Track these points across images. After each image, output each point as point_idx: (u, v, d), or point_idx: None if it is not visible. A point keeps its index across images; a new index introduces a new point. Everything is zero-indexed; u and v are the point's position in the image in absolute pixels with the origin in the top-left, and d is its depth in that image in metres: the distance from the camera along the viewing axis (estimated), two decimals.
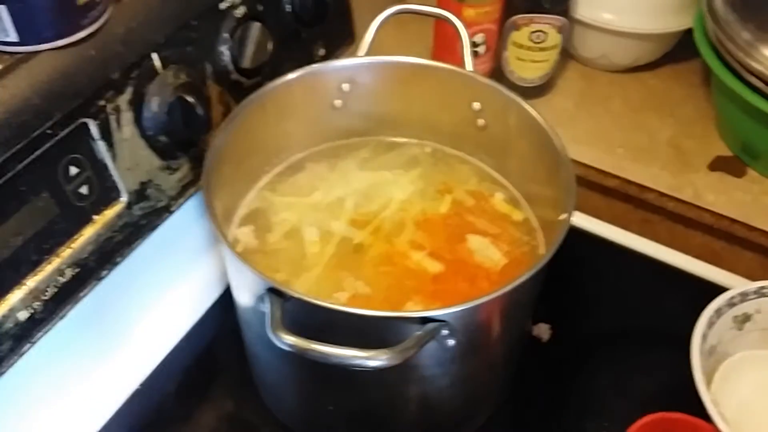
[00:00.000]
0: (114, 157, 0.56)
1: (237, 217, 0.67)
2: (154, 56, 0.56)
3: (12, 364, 0.53)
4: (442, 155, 0.73)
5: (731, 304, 0.65)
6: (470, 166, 0.72)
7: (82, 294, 0.57)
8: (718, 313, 0.64)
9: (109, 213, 0.57)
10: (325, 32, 0.75)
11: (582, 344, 0.73)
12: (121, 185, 0.57)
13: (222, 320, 0.74)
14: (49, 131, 0.49)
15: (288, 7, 0.69)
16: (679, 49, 0.94)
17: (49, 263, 0.53)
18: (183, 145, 0.62)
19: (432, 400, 0.60)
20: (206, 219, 0.55)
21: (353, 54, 0.69)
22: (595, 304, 0.76)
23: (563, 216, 0.56)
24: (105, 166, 0.55)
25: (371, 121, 0.72)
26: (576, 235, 0.73)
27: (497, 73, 0.92)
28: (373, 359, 0.47)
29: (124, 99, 0.55)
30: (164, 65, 0.57)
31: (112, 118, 0.54)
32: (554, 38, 0.87)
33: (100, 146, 0.54)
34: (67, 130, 0.51)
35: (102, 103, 0.53)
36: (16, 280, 0.51)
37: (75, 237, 0.55)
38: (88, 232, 0.55)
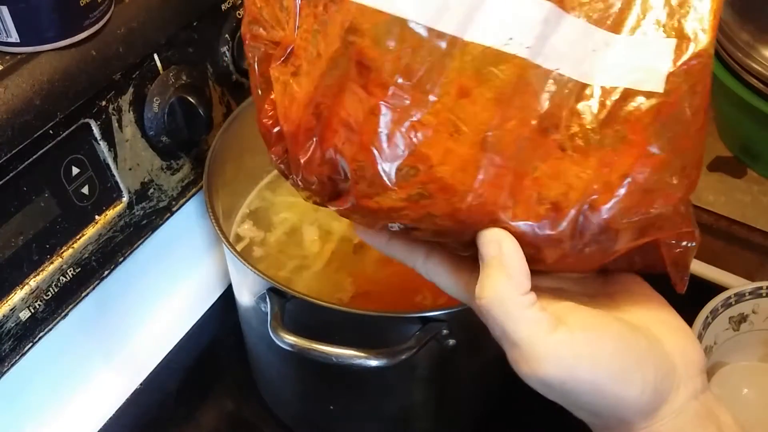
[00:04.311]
0: (115, 157, 0.56)
1: (238, 216, 0.67)
2: (156, 57, 0.56)
3: (14, 364, 0.53)
4: None
5: (727, 304, 0.65)
6: None
7: (83, 294, 0.57)
8: (714, 313, 0.64)
9: (111, 213, 0.57)
10: None
11: None
12: (122, 185, 0.57)
13: (223, 320, 0.74)
14: (50, 131, 0.49)
15: None
16: None
17: (51, 263, 0.53)
18: (184, 146, 0.62)
19: (432, 399, 0.60)
20: (207, 219, 0.55)
21: None
22: None
23: None
24: (106, 167, 0.55)
25: None
26: None
27: None
28: (373, 359, 0.48)
29: (125, 99, 0.55)
30: (165, 66, 0.57)
31: (114, 119, 0.55)
32: None
33: (102, 146, 0.54)
34: (68, 131, 0.51)
35: (103, 103, 0.53)
36: (17, 280, 0.51)
37: (76, 237, 0.55)
38: (90, 232, 0.55)
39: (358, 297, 0.60)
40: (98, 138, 0.54)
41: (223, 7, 0.61)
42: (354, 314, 0.50)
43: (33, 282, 0.52)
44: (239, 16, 0.63)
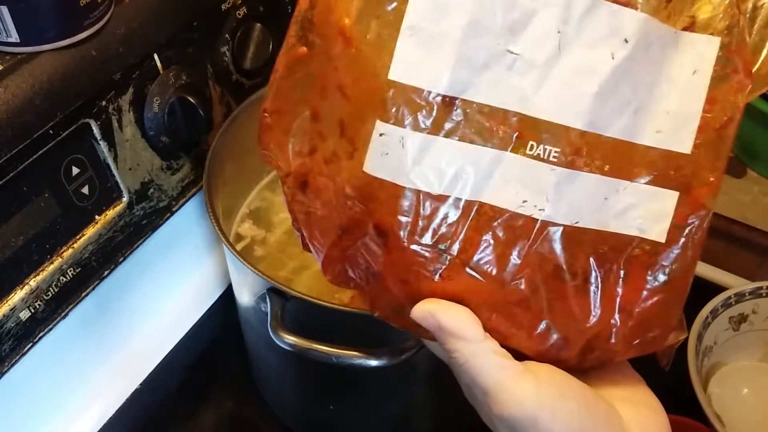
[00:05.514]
0: (115, 157, 0.56)
1: (238, 216, 0.67)
2: (156, 57, 0.56)
3: (14, 364, 0.53)
4: None
5: (727, 304, 0.65)
6: None
7: (83, 294, 0.57)
8: (714, 313, 0.64)
9: (111, 213, 0.57)
10: None
11: None
12: (122, 185, 0.57)
13: (223, 320, 0.74)
14: (50, 131, 0.49)
15: (289, 8, 0.69)
16: None
17: (51, 263, 0.53)
18: (184, 146, 0.62)
19: (432, 399, 0.60)
20: (207, 219, 0.55)
21: None
22: None
23: None
24: (106, 167, 0.55)
25: None
26: None
27: None
28: (373, 359, 0.48)
29: (125, 99, 0.55)
30: (165, 66, 0.57)
31: (114, 119, 0.55)
32: None
33: (102, 146, 0.54)
34: (68, 131, 0.51)
35: (103, 103, 0.53)
36: (18, 280, 0.51)
37: (77, 237, 0.55)
38: (90, 232, 0.55)
39: (358, 297, 0.60)
40: (98, 138, 0.54)
41: (223, 7, 0.61)
42: (354, 314, 0.50)
43: (33, 282, 0.52)
44: (239, 16, 0.63)
